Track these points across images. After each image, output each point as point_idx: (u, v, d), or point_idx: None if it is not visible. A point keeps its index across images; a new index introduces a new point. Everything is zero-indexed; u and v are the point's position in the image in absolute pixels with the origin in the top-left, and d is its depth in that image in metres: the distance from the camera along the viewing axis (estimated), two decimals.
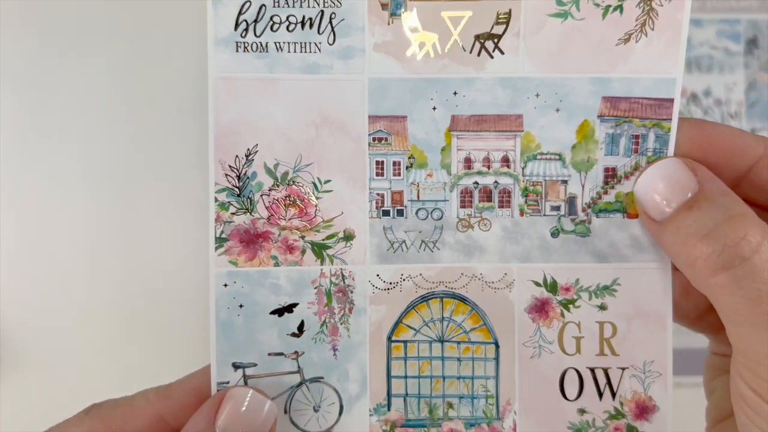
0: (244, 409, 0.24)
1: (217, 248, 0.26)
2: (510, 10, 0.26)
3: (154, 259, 0.53)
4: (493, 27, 0.26)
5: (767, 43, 0.46)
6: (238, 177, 0.26)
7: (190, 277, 0.53)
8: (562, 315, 0.27)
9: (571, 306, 0.27)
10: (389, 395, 0.27)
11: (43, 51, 0.44)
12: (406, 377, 0.27)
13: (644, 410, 0.27)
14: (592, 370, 0.27)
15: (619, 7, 0.26)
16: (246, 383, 0.26)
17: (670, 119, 0.26)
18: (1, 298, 0.41)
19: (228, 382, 0.26)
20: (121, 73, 0.44)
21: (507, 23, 0.26)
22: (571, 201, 0.27)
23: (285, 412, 0.26)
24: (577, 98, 0.26)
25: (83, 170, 0.45)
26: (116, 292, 0.54)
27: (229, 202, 0.26)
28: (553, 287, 0.27)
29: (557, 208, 0.27)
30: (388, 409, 0.27)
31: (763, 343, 0.22)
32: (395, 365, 0.27)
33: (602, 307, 0.27)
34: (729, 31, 0.47)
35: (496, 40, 0.26)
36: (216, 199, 0.26)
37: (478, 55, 0.26)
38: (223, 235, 0.26)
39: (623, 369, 0.27)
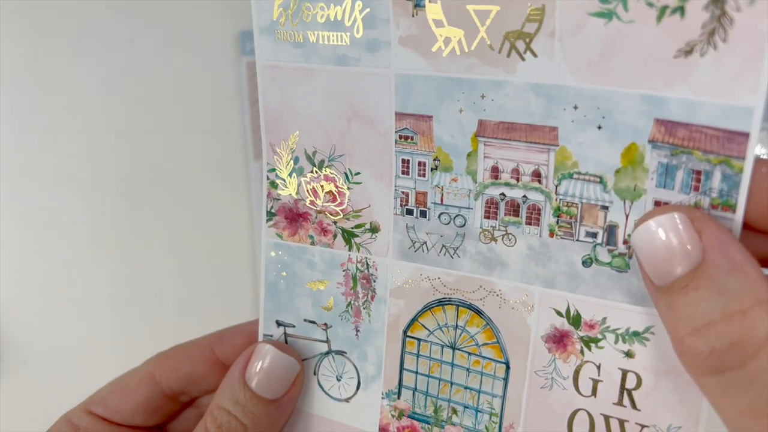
0: (267, 363, 0.28)
1: (267, 221, 0.29)
2: (543, 6, 0.21)
3: (155, 259, 0.53)
4: (524, 25, 0.22)
5: None
6: (284, 160, 0.28)
7: (190, 277, 0.53)
8: (582, 352, 0.24)
9: (593, 345, 0.24)
10: (400, 385, 0.28)
11: (43, 51, 0.45)
12: (417, 373, 0.27)
13: None
14: (607, 419, 0.24)
15: (680, 9, 0.19)
16: (286, 340, 0.29)
17: (743, 158, 0.20)
18: (1, 298, 0.40)
19: (272, 336, 0.30)
20: (121, 72, 0.44)
21: (540, 21, 0.21)
22: (611, 230, 0.23)
23: (314, 373, 0.29)
24: (623, 116, 0.21)
25: (84, 170, 0.45)
26: (117, 291, 0.53)
27: (277, 182, 0.28)
28: (576, 321, 0.24)
29: (593, 235, 0.23)
30: (398, 397, 0.28)
31: None
32: (408, 359, 0.27)
33: (629, 354, 0.23)
34: None
35: (527, 40, 0.22)
36: (267, 177, 0.28)
37: (508, 55, 0.22)
38: (272, 210, 0.29)
39: (643, 426, 0.24)
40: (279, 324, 0.30)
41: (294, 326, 0.29)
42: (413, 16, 0.23)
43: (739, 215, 0.21)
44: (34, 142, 0.47)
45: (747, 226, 0.21)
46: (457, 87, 0.23)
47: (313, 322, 0.29)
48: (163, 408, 0.31)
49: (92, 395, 0.31)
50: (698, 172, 0.21)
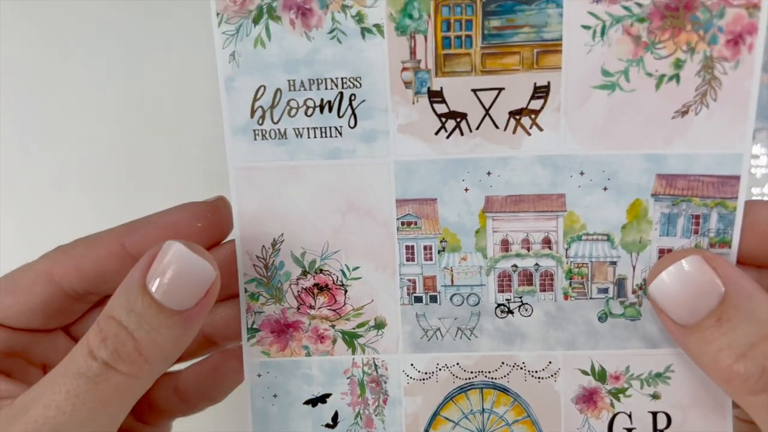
0: (175, 264, 0.23)
1: (249, 339, 0.26)
2: (549, 83, 0.23)
3: None
4: (530, 102, 0.23)
5: (767, 44, 0.41)
6: (266, 267, 0.25)
7: None
8: (612, 405, 0.25)
9: (621, 395, 0.25)
10: None
11: (42, 51, 0.43)
12: None
13: None
14: None
15: (676, 77, 0.22)
16: None
17: (736, 197, 0.23)
18: None
19: None
20: (121, 73, 0.43)
21: (546, 97, 0.23)
22: (620, 283, 0.24)
23: None
24: (627, 176, 0.23)
25: (84, 170, 0.44)
26: None
27: (258, 292, 0.25)
28: (601, 376, 0.25)
29: (605, 291, 0.25)
30: None
31: None
32: None
33: (655, 396, 0.25)
34: None
35: (533, 116, 0.23)
36: (246, 290, 0.26)
37: (514, 132, 0.23)
38: (255, 326, 0.26)
39: None
40: None
41: None
42: (414, 103, 0.23)
43: (734, 250, 0.24)
44: (34, 142, 0.44)
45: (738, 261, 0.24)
46: (462, 167, 0.24)
47: None
48: (65, 309, 0.26)
49: None
50: (697, 217, 0.23)
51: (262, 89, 0.24)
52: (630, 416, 0.25)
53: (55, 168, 0.43)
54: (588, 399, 0.25)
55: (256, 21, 0.23)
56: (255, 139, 0.24)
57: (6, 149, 0.43)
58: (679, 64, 0.22)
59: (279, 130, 0.24)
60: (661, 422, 0.25)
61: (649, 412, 0.25)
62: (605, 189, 0.24)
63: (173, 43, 0.42)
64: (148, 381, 0.23)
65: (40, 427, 0.21)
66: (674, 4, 0.22)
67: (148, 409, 0.28)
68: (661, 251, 0.24)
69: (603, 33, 0.22)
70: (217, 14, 0.23)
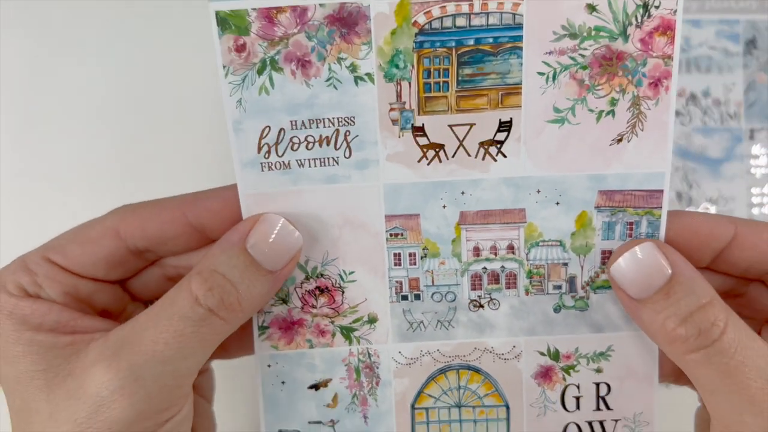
0: (274, 233, 0.28)
1: (260, 335, 0.30)
2: (511, 119, 0.28)
3: None
4: (495, 134, 0.28)
5: (766, 44, 0.47)
6: None
7: None
8: (564, 379, 0.31)
9: (571, 371, 0.30)
10: None
11: (42, 51, 0.44)
12: None
13: None
14: (590, 423, 0.31)
15: (612, 112, 0.27)
16: None
17: (660, 207, 0.28)
18: None
19: None
20: (122, 72, 0.44)
21: (509, 130, 0.28)
22: (571, 280, 0.30)
23: None
24: (575, 193, 0.29)
25: (84, 170, 0.44)
26: None
27: (272, 297, 0.30)
28: (555, 356, 0.30)
29: (559, 287, 0.30)
30: None
31: (735, 409, 0.26)
32: (419, 429, 0.31)
33: (598, 370, 0.30)
34: (728, 31, 0.47)
35: (499, 146, 0.28)
36: None
37: (483, 159, 0.28)
38: (265, 324, 0.30)
39: (616, 421, 0.31)
40: None
41: (299, 431, 0.31)
42: (399, 137, 0.28)
43: None
44: (35, 142, 0.44)
45: None
46: (440, 188, 0.29)
47: (319, 422, 0.31)
48: (126, 264, 0.29)
49: (50, 241, 0.28)
50: (631, 223, 0.29)
51: (267, 129, 0.28)
52: (578, 387, 0.31)
53: (56, 167, 0.44)
54: (545, 375, 0.31)
55: (260, 72, 0.27)
56: (262, 171, 0.28)
57: (6, 149, 0.44)
58: (614, 102, 0.27)
59: (283, 161, 0.28)
60: (603, 390, 0.31)
61: (593, 383, 0.30)
62: (557, 203, 0.29)
63: (174, 42, 0.44)
64: (236, 327, 0.27)
65: (150, 357, 0.25)
66: (609, 56, 0.27)
67: None
68: (603, 252, 0.29)
69: (554, 78, 0.27)
70: (224, 67, 0.27)
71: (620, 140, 0.28)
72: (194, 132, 0.44)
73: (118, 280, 0.30)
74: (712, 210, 0.46)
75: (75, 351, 0.26)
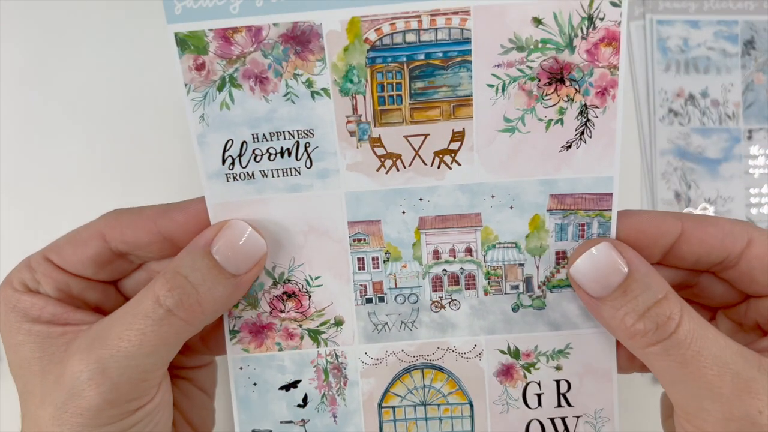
0: (239, 238, 0.29)
1: (231, 339, 0.32)
2: (463, 129, 0.29)
3: None
4: (449, 144, 0.29)
5: (764, 45, 0.47)
6: None
7: None
8: (525, 376, 0.32)
9: (532, 368, 0.32)
10: None
11: (42, 51, 0.45)
12: None
13: None
14: (552, 420, 0.32)
15: (560, 120, 0.29)
16: None
17: (610, 209, 0.30)
18: None
19: None
20: (123, 73, 0.45)
21: (462, 140, 0.29)
22: (528, 280, 0.31)
23: None
24: (528, 197, 0.30)
25: (85, 171, 0.45)
26: None
27: (237, 300, 0.31)
28: (516, 354, 0.32)
29: (516, 287, 0.31)
30: None
31: (695, 397, 0.27)
32: (386, 427, 0.32)
33: (558, 368, 0.32)
34: (726, 32, 0.47)
35: (453, 155, 0.29)
36: None
37: (438, 167, 0.29)
38: (236, 328, 0.31)
39: (578, 417, 0.32)
40: None
41: (271, 431, 0.32)
42: (358, 148, 0.29)
43: None
44: (34, 142, 0.45)
45: None
46: (399, 195, 0.30)
47: (290, 422, 0.32)
48: (113, 265, 0.31)
49: (51, 243, 0.31)
50: (583, 225, 0.30)
51: (230, 142, 0.29)
52: (539, 384, 0.32)
53: (56, 168, 0.45)
54: (506, 372, 0.32)
55: (220, 89, 0.28)
56: (228, 181, 0.30)
57: (6, 149, 0.45)
58: (562, 111, 0.29)
59: (247, 172, 0.29)
60: (563, 387, 0.32)
61: (553, 380, 0.32)
62: (511, 207, 0.30)
63: (174, 42, 0.44)
64: (199, 328, 0.29)
65: (114, 353, 0.27)
66: (556, 68, 0.28)
67: (185, 348, 0.32)
68: (558, 253, 0.30)
69: (504, 89, 0.28)
70: (185, 84, 0.28)
71: (569, 147, 0.29)
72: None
73: (110, 280, 0.32)
74: (711, 210, 0.47)
75: (66, 341, 0.29)
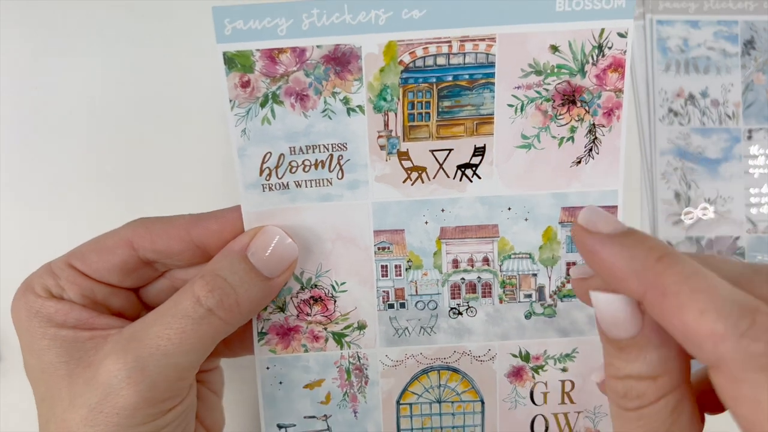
0: (272, 243, 0.31)
1: (259, 340, 0.33)
2: (485, 145, 0.31)
3: None
4: (471, 158, 0.31)
5: (764, 45, 0.48)
6: None
7: None
8: (533, 377, 0.34)
9: (540, 370, 0.34)
10: None
11: (42, 51, 0.45)
12: (412, 430, 0.34)
13: None
14: (555, 416, 0.34)
15: (571, 138, 0.31)
16: None
17: None
18: (1, 298, 0.38)
19: None
20: (124, 74, 0.45)
21: (483, 155, 0.31)
22: (540, 290, 0.33)
23: None
24: (541, 210, 0.32)
25: (85, 171, 0.45)
26: None
27: (268, 303, 0.33)
28: (526, 358, 0.34)
29: (529, 296, 0.33)
30: None
31: None
32: (403, 422, 0.34)
33: (564, 370, 0.34)
34: (726, 32, 0.48)
35: (474, 168, 0.32)
36: None
37: (460, 180, 0.32)
38: (264, 330, 0.33)
39: (579, 412, 0.34)
40: (280, 427, 0.34)
41: (295, 425, 0.34)
42: (387, 161, 0.31)
43: None
44: (35, 142, 0.45)
45: None
46: (423, 206, 0.32)
47: (313, 417, 0.34)
48: (138, 272, 0.32)
49: (74, 249, 0.31)
50: None
51: (269, 155, 0.31)
52: (546, 384, 0.34)
53: (56, 169, 0.45)
54: (516, 374, 0.34)
55: (262, 105, 0.30)
56: (264, 191, 0.31)
57: (6, 149, 0.45)
58: (573, 129, 0.31)
59: (283, 183, 0.31)
60: (567, 387, 0.34)
61: (559, 380, 0.34)
62: (526, 219, 0.32)
63: (175, 43, 0.45)
64: (234, 328, 0.30)
65: (154, 351, 0.28)
66: (569, 90, 0.31)
67: None
68: (568, 264, 0.33)
69: (522, 109, 0.31)
70: (230, 101, 0.30)
71: (579, 162, 0.32)
72: (197, 133, 0.45)
73: (133, 287, 0.33)
74: (710, 210, 0.47)
75: (94, 345, 0.29)
